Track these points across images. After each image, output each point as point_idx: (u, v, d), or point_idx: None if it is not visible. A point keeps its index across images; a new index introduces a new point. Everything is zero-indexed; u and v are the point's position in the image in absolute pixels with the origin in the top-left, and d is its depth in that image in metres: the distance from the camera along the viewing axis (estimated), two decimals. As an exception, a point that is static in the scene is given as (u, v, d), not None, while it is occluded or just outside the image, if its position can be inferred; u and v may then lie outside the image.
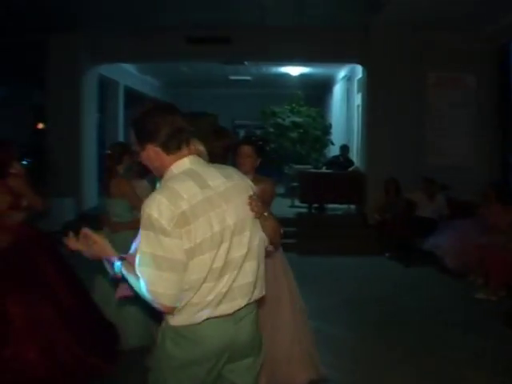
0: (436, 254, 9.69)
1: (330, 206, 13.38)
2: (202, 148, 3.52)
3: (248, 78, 18.46)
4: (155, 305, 2.47)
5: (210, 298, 2.52)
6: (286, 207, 13.69)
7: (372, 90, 12.05)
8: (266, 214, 2.83)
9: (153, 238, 2.40)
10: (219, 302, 2.55)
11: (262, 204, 2.77)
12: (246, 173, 3.56)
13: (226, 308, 2.58)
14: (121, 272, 2.59)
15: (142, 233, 2.46)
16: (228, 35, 12.07)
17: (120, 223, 5.59)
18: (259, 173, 4.64)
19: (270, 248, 3.03)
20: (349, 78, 15.30)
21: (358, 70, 13.37)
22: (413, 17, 10.60)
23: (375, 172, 11.77)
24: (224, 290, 2.55)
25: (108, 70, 14.78)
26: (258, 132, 17.42)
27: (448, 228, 9.97)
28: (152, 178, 4.61)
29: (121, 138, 16.53)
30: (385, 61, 11.66)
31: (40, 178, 11.47)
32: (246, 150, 4.54)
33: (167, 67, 17.11)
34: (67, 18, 11.80)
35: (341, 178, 12.75)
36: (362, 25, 11.57)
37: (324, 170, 13.92)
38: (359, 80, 13.51)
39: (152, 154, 2.62)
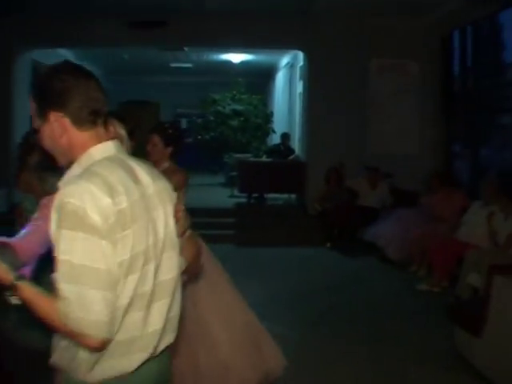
0: (378, 244, 9.41)
1: (271, 195, 12.99)
2: (123, 132, 3.23)
3: (189, 65, 17.93)
4: (80, 341, 1.75)
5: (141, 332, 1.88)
6: (225, 197, 13.26)
7: (313, 76, 11.69)
8: (188, 232, 2.30)
9: (82, 241, 1.69)
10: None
11: (187, 219, 2.27)
12: (154, 163, 3.47)
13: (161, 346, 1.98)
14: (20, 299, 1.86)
15: (62, 235, 1.71)
16: (164, 19, 11.52)
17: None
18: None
19: (185, 277, 2.30)
20: (291, 65, 14.90)
21: (301, 57, 12.94)
22: (354, 0, 10.27)
23: (316, 161, 11.42)
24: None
25: (42, 55, 14.09)
26: (199, 121, 16.99)
27: (390, 217, 9.70)
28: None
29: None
30: (326, 47, 11.30)
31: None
32: (153, 138, 4.33)
33: (107, 54, 16.49)
34: None
35: (280, 167, 12.36)
36: (302, 9, 11.14)
37: (264, 158, 13.51)
38: (301, 67, 13.09)
39: (57, 127, 1.89)
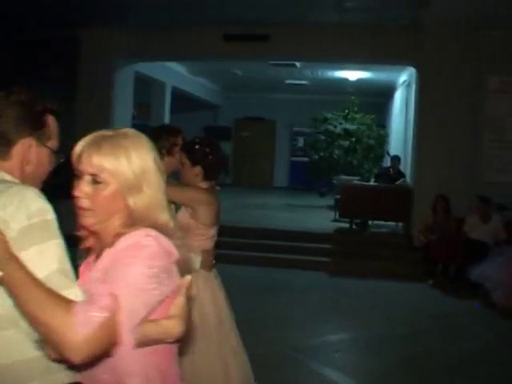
0: (485, 285, 8.20)
1: (376, 222, 11.96)
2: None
3: (304, 82, 17.24)
4: (59, 351, 1.52)
5: None
6: (328, 221, 12.32)
7: (423, 94, 10.59)
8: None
9: (62, 247, 1.68)
10: None
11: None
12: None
13: None
14: None
15: (47, 245, 1.64)
16: (267, 32, 10.90)
17: None
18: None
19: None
20: (408, 84, 13.79)
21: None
22: (467, 13, 9.13)
23: (423, 187, 10.29)
24: None
25: (152, 69, 13.93)
26: (309, 140, 16.17)
27: (502, 256, 8.46)
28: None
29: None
30: (437, 62, 10.17)
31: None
32: (181, 157, 3.96)
33: (219, 69, 16.18)
34: (100, 13, 11.04)
35: (386, 192, 11.24)
36: (411, 21, 10.12)
37: (372, 182, 12.47)
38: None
39: None
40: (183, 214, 3.73)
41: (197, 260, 3.65)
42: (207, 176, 3.85)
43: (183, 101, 18.45)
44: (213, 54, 11.82)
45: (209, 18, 10.79)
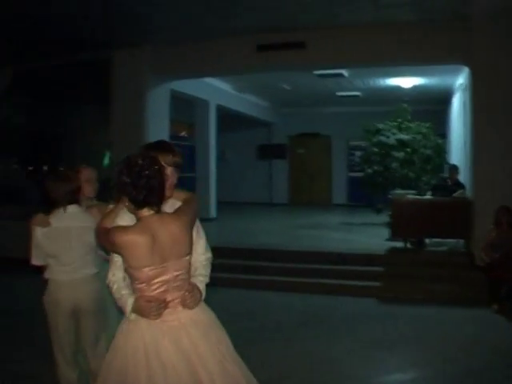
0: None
1: (434, 240, 10.69)
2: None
3: (356, 93, 16.15)
4: None
5: None
6: (382, 240, 11.15)
7: (478, 96, 9.37)
8: None
9: None
10: None
11: None
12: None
13: None
14: None
15: None
16: (301, 39, 9.97)
17: None
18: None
19: None
20: (465, 87, 12.52)
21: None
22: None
23: (484, 199, 9.07)
24: None
25: (193, 87, 13.25)
26: (361, 153, 15.05)
27: None
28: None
29: (212, 161, 14.98)
30: (490, 60, 8.99)
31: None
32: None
33: (265, 84, 15.33)
34: (131, 32, 10.54)
35: (442, 206, 9.94)
36: (457, 15, 8.97)
37: (428, 195, 11.22)
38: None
39: None
40: None
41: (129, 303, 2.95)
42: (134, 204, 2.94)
43: (233, 119, 17.76)
44: (247, 66, 10.94)
45: (240, 29, 10.03)
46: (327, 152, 20.13)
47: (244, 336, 6.63)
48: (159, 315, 2.90)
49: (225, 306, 8.43)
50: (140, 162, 2.90)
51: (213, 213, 15.28)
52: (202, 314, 3.07)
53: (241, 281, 9.67)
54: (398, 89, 15.04)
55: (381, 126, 13.61)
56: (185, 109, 14.98)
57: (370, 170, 13.55)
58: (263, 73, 12.35)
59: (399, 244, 10.39)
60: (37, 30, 9.93)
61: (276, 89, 15.85)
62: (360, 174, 14.82)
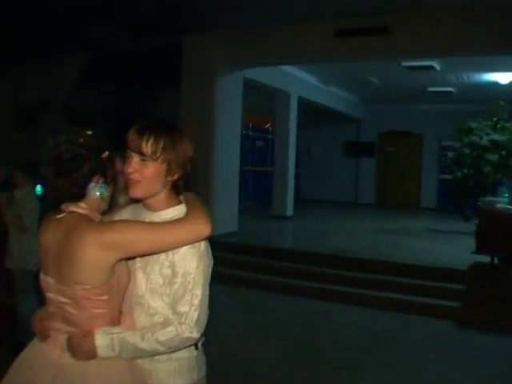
0: None
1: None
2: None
3: (450, 89, 14.67)
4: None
5: None
6: (465, 252, 9.76)
7: None
8: None
9: None
10: None
11: None
12: None
13: None
14: None
15: None
16: (384, 24, 8.80)
17: None
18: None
19: None
20: None
21: None
22: None
23: None
24: None
25: (274, 77, 12.36)
26: (451, 154, 13.64)
27: None
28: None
29: (291, 156, 14.03)
30: None
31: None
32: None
33: (352, 77, 14.19)
34: (202, 17, 9.83)
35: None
36: None
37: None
38: None
39: None
40: None
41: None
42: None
43: (320, 114, 16.74)
44: (324, 53, 9.86)
45: (316, 13, 9.00)
46: (417, 151, 18.63)
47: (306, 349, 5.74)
48: (41, 338, 2.26)
49: (286, 316, 7.52)
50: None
51: (289, 211, 14.30)
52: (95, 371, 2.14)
53: (297, 287, 8.71)
54: (494, 85, 13.47)
55: (474, 125, 12.18)
56: (270, 100, 14.17)
57: (459, 173, 12.17)
58: (342, 61, 11.14)
59: (485, 259, 9.02)
60: (112, 14, 9.41)
61: (363, 82, 14.65)
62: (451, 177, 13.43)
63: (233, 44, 10.48)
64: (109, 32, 10.51)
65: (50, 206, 2.38)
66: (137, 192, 2.26)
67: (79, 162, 2.16)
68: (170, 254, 2.21)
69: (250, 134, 17.37)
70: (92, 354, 2.11)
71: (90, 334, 2.12)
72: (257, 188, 17.00)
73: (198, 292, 2.20)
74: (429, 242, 11.46)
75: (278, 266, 9.46)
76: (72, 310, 2.15)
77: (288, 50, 10.01)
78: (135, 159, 2.23)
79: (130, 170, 2.23)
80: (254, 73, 11.49)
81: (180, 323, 2.16)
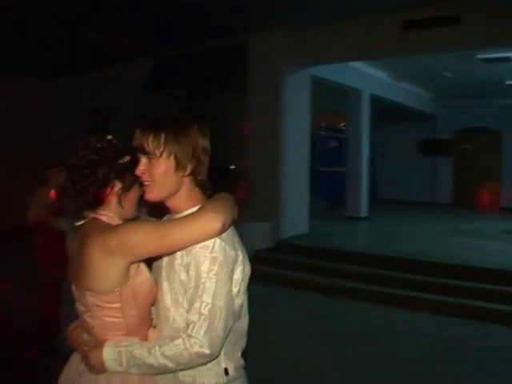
0: None
1: None
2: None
3: (532, 82, 13.83)
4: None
5: None
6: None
7: None
8: None
9: None
10: None
11: None
12: None
13: None
14: None
15: None
16: (456, 14, 8.24)
17: None
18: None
19: None
20: None
21: None
22: None
23: None
24: None
25: (343, 74, 12.02)
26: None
27: None
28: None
29: (364, 155, 13.60)
30: None
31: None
32: None
33: (424, 72, 13.57)
34: (265, 16, 9.61)
35: None
36: None
37: None
38: None
39: None
40: None
41: None
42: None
43: (393, 112, 16.19)
44: (392, 47, 9.36)
45: (383, 4, 8.55)
46: (496, 149, 17.68)
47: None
48: (75, 348, 2.23)
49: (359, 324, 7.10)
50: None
51: (363, 212, 13.84)
52: None
53: (363, 292, 8.27)
54: None
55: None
56: (342, 98, 13.80)
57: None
58: (411, 55, 10.56)
59: None
60: (175, 16, 9.27)
61: (436, 77, 13.97)
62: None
63: (297, 41, 10.18)
64: (172, 34, 10.41)
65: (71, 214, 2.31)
66: (150, 194, 2.11)
67: (92, 169, 2.07)
68: (184, 256, 2.01)
69: (323, 134, 16.96)
70: (101, 367, 1.99)
71: (99, 346, 2.01)
72: (331, 189, 16.52)
73: (208, 299, 1.93)
74: (507, 244, 10.74)
75: (346, 269, 9.05)
76: (88, 319, 2.10)
77: (353, 46, 9.61)
78: (143, 160, 2.09)
79: (138, 171, 2.09)
80: (322, 71, 11.14)
81: (188, 336, 1.93)
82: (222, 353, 2.01)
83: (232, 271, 2.00)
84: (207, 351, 1.91)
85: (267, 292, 8.73)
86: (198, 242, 1.96)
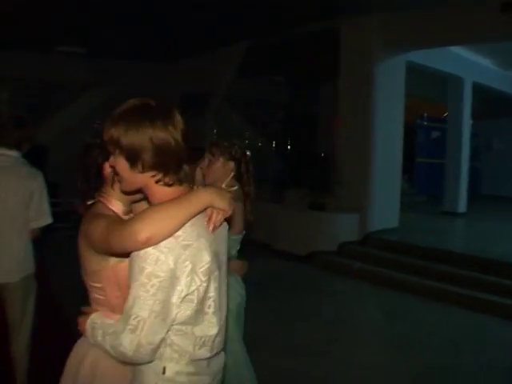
0: None
1: None
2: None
3: None
4: None
5: None
6: None
7: None
8: None
9: None
10: None
11: None
12: None
13: None
14: None
15: None
16: None
17: None
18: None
19: None
20: None
21: None
22: None
23: None
24: None
25: (442, 61, 11.31)
26: None
27: None
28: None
29: (464, 147, 12.68)
30: None
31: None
32: None
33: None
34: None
35: None
36: None
37: None
38: None
39: None
40: None
41: None
42: None
43: (502, 102, 15.14)
44: (490, 30, 8.55)
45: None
46: None
47: None
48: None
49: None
50: None
51: (461, 207, 12.94)
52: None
53: (450, 294, 7.53)
54: None
55: None
56: (443, 87, 13.07)
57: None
58: (509, 39, 9.64)
59: None
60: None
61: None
62: None
63: (391, 25, 9.64)
64: (264, 20, 10.12)
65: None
66: (121, 187, 2.06)
67: (91, 152, 2.27)
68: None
69: (425, 123, 16.07)
70: (84, 334, 2.13)
71: (87, 316, 2.13)
72: (432, 182, 15.57)
73: (133, 308, 1.85)
74: None
75: (434, 268, 8.31)
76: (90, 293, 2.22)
77: (447, 30, 8.90)
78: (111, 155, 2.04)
79: (110, 164, 2.05)
80: (419, 56, 10.51)
81: (118, 334, 1.92)
82: (167, 352, 1.94)
83: (168, 281, 1.82)
84: (129, 354, 1.86)
85: (348, 288, 8.31)
86: (132, 251, 1.84)
